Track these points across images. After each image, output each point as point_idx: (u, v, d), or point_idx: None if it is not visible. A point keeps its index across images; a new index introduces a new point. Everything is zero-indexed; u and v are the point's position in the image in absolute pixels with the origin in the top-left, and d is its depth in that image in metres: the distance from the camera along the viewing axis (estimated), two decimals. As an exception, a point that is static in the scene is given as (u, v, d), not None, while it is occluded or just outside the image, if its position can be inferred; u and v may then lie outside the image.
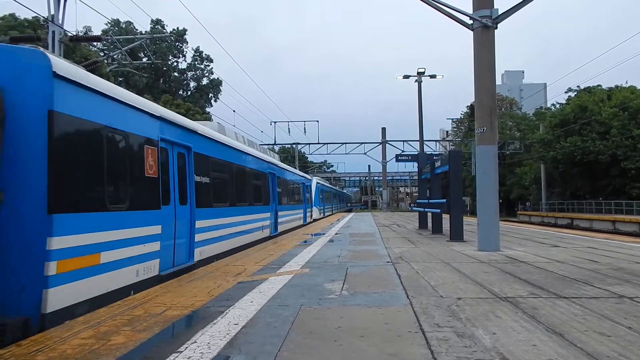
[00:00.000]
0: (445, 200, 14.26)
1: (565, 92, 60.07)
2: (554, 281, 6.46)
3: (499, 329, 4.09)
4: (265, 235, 16.72)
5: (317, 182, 39.01)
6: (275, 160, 21.17)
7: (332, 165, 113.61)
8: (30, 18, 36.85)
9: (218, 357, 3.47)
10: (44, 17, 18.69)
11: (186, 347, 3.69)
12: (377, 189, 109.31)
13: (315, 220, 33.18)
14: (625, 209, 41.58)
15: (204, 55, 63.11)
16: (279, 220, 19.46)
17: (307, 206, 30.90)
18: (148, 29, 53.17)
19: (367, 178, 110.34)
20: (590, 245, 11.44)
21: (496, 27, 10.51)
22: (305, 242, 13.48)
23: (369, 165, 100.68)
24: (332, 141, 60.81)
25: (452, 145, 64.07)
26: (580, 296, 5.43)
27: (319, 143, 57.74)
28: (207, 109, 61.76)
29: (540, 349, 3.54)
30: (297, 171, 29.62)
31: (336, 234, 16.85)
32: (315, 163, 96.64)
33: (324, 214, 41.14)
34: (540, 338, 3.82)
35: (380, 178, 68.17)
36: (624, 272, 7.19)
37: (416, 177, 27.10)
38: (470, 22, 10.67)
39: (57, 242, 5.32)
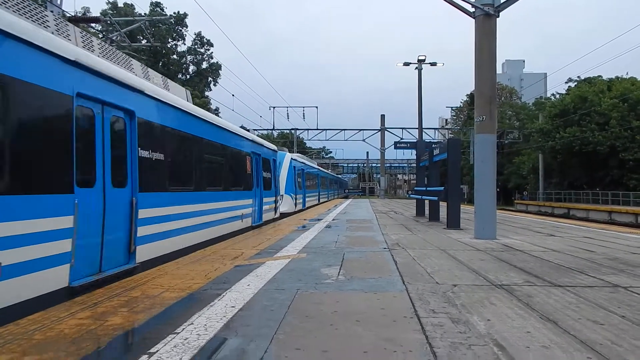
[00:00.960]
0: (442, 188, 14.30)
1: (566, 83, 60.12)
2: (549, 270, 6.50)
3: (494, 316, 4.12)
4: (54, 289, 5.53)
5: (293, 159, 27.01)
6: (149, 85, 8.78)
7: (331, 152, 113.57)
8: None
9: (215, 338, 3.50)
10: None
11: (183, 329, 3.71)
12: (375, 175, 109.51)
13: (284, 214, 21.50)
14: (621, 200, 41.69)
15: (204, 40, 62.67)
16: (153, 229, 8.27)
17: (268, 193, 17.87)
18: (147, 12, 52.73)
19: (365, 165, 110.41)
20: (587, 235, 11.49)
21: (498, 16, 10.44)
22: (303, 227, 13.51)
23: (367, 152, 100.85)
24: (331, 127, 60.64)
25: (451, 134, 64.08)
26: (575, 285, 5.47)
27: (317, 129, 57.64)
28: (206, 93, 61.49)
29: (534, 336, 3.57)
30: (237, 129, 15.08)
31: (333, 219, 16.90)
32: (314, 149, 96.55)
33: (303, 205, 29.25)
34: (534, 325, 3.86)
35: (379, 165, 68.24)
36: (619, 262, 7.24)
37: (414, 165, 25.92)
38: (473, 10, 10.61)
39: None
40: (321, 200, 41.75)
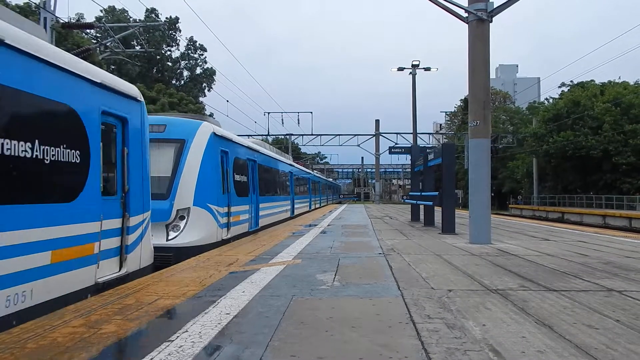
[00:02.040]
0: (437, 192, 14.31)
1: (559, 87, 60.43)
2: (544, 274, 6.51)
3: (489, 321, 4.12)
4: None
5: (218, 137, 12.78)
6: None
7: (326, 157, 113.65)
8: (22, 4, 36.48)
9: (209, 346, 3.48)
10: (35, 3, 18.48)
11: (177, 336, 3.69)
12: (370, 181, 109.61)
13: (191, 251, 10.01)
14: (615, 204, 41.91)
15: (197, 45, 62.77)
16: None
17: (51, 214, 5.51)
18: (142, 18, 52.74)
19: (360, 170, 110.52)
20: (581, 239, 11.53)
21: (491, 21, 10.50)
22: (298, 233, 13.48)
23: (362, 157, 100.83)
24: (326, 132, 60.72)
25: (445, 138, 64.22)
26: (570, 289, 5.48)
27: (312, 134, 57.69)
28: (201, 99, 61.50)
29: (529, 341, 3.57)
30: None
31: (328, 225, 16.89)
32: (309, 154, 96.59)
33: (254, 224, 16.07)
34: (530, 330, 3.86)
35: (374, 170, 68.32)
36: (613, 265, 7.26)
37: (409, 170, 25.53)
38: (466, 15, 10.66)
39: None
40: (297, 211, 27.37)
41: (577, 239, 11.57)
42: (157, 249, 8.59)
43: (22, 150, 5.03)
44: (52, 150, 5.54)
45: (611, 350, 3.36)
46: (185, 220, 10.93)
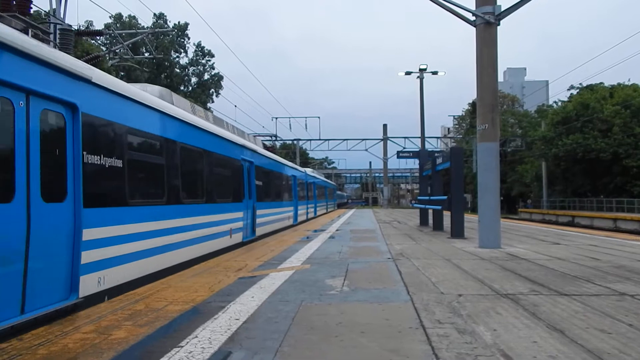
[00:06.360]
0: (446, 197, 14.27)
1: (568, 90, 59.91)
2: (554, 278, 6.46)
3: (500, 326, 4.09)
4: None
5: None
6: None
7: (334, 162, 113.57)
8: (32, 12, 36.87)
9: (219, 352, 3.48)
10: (45, 11, 18.68)
11: (187, 342, 3.70)
12: (378, 185, 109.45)
13: None
14: (626, 207, 41.50)
15: (205, 50, 63.10)
16: None
17: None
18: (151, 24, 53.13)
19: (368, 174, 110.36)
20: (591, 243, 11.43)
21: (499, 24, 10.47)
22: (306, 238, 13.48)
23: (370, 162, 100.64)
24: (334, 137, 60.78)
25: (453, 142, 64.09)
26: (581, 293, 5.43)
27: (320, 139, 57.74)
28: (209, 104, 61.75)
29: (540, 346, 3.54)
30: None
31: (337, 230, 16.87)
32: (317, 159, 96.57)
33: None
34: (541, 335, 3.83)
35: (382, 174, 68.24)
36: (625, 269, 7.19)
37: (417, 174, 25.50)
38: (473, 18, 10.64)
39: None
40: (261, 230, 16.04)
41: (587, 243, 11.47)
42: None
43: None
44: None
45: (624, 355, 3.32)
46: None
